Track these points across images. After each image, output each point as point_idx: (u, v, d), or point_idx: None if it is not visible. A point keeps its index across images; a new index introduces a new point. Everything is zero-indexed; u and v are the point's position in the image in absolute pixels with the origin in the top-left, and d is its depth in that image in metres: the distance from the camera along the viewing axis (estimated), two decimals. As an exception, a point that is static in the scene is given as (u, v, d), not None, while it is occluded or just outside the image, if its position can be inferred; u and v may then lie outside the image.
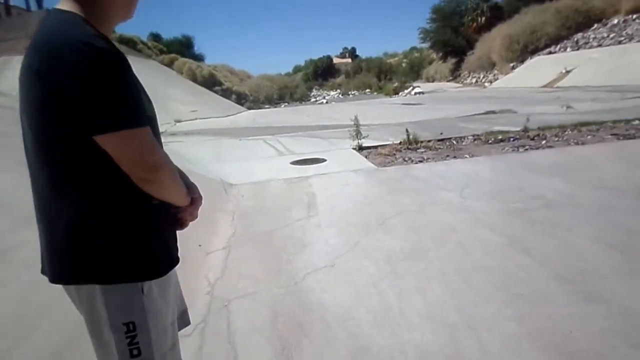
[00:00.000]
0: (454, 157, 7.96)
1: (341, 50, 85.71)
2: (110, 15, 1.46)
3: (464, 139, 9.48)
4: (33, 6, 37.36)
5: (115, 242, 1.37)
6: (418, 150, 8.78)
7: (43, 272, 1.49)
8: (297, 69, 75.27)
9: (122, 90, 1.27)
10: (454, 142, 9.33)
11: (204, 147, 12.13)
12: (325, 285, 3.62)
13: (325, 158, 8.81)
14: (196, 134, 15.69)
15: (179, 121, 21.11)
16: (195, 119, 22.39)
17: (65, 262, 1.40)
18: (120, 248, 1.38)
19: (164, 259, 1.50)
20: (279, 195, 6.59)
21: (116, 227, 1.37)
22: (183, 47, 46.77)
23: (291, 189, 6.85)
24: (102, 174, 1.32)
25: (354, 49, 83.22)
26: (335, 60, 69.85)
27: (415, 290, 3.38)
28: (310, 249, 4.40)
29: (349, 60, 72.79)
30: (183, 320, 1.77)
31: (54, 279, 1.44)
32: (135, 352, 1.42)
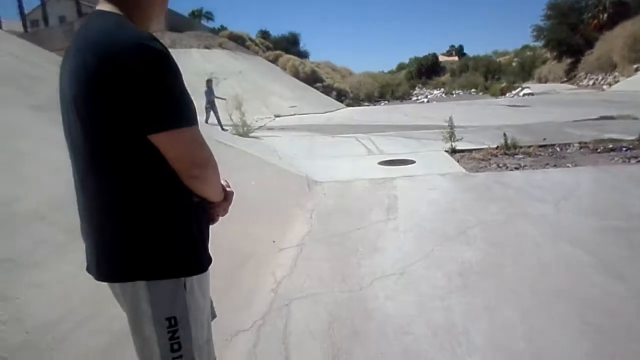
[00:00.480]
0: (555, 165, 7.38)
1: (447, 48, 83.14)
2: (149, 17, 1.52)
3: (569, 146, 8.75)
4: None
5: (163, 240, 1.40)
6: (515, 156, 8.25)
7: (88, 270, 1.53)
8: (400, 67, 74.27)
9: (178, 90, 1.31)
10: (557, 149, 8.65)
11: (297, 142, 12.34)
12: (390, 293, 3.49)
13: (415, 159, 8.57)
14: (292, 129, 16.02)
15: (279, 116, 21.74)
16: (294, 114, 22.91)
17: (113, 260, 1.43)
18: (166, 245, 1.41)
19: (205, 255, 1.52)
20: (361, 195, 6.50)
21: (164, 224, 1.39)
22: (289, 44, 48.05)
23: (375, 189, 6.73)
24: (152, 173, 1.35)
25: (461, 47, 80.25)
26: (441, 59, 67.88)
27: (484, 310, 3.15)
28: (382, 254, 4.28)
29: (456, 58, 70.39)
30: (211, 312, 1.78)
31: (101, 277, 1.47)
32: (175, 346, 1.44)
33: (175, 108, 1.30)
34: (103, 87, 1.25)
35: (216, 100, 16.48)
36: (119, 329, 2.67)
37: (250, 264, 4.17)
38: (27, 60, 7.59)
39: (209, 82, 16.70)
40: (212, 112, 16.18)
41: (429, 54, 64.71)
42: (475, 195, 5.97)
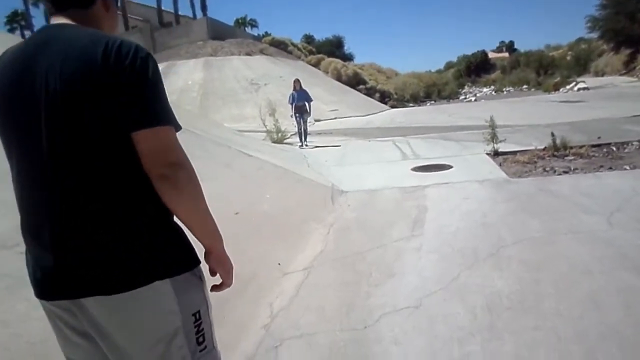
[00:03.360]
0: (610, 167, 6.51)
1: (497, 45, 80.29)
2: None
3: (627, 145, 7.79)
4: (198, 14, 40.98)
5: (170, 234, 1.40)
6: (565, 158, 7.41)
7: (77, 291, 1.33)
8: (448, 66, 72.32)
9: (164, 91, 1.37)
10: (613, 148, 7.71)
11: (330, 148, 11.81)
12: (398, 334, 2.90)
13: (452, 164, 7.87)
14: (329, 134, 15.55)
15: (318, 120, 21.23)
16: (335, 118, 22.40)
17: (130, 264, 1.32)
18: (176, 236, 1.41)
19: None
20: (387, 206, 5.90)
21: (165, 218, 1.38)
22: (333, 47, 47.74)
23: (403, 199, 6.11)
24: (140, 169, 1.32)
25: (511, 43, 77.10)
26: (491, 55, 65.43)
27: (514, 359, 2.51)
28: (397, 281, 3.68)
29: (506, 54, 67.76)
30: None
31: (114, 288, 1.30)
32: (200, 339, 1.44)
33: (164, 106, 1.34)
34: (100, 84, 1.25)
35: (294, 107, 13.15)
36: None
37: (247, 292, 3.65)
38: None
39: (296, 83, 13.35)
40: (302, 121, 12.91)
41: (478, 51, 62.45)
42: (514, 206, 5.24)
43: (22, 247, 3.24)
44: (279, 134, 13.22)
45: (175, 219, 1.43)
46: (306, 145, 12.42)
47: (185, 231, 1.45)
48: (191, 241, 1.47)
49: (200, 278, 1.47)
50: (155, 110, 1.31)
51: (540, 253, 3.87)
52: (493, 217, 4.93)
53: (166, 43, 32.42)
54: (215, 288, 1.55)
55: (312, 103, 13.55)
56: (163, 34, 34.06)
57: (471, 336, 2.78)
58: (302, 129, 12.83)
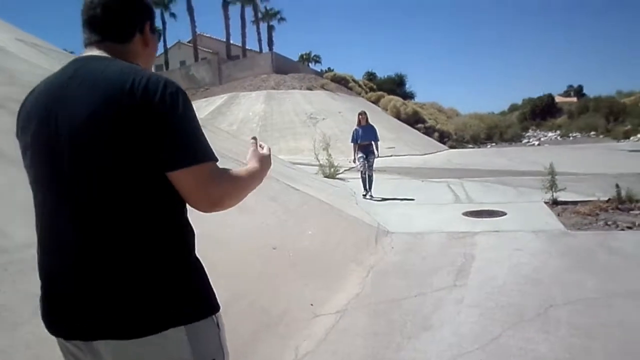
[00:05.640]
0: (682, 226, 5.99)
1: (565, 89, 77.70)
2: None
3: None
4: (265, 49, 42.44)
5: (190, 279, 1.33)
6: (631, 212, 6.90)
7: (88, 333, 1.27)
8: (513, 108, 70.61)
9: (199, 124, 1.31)
10: (687, 205, 7.12)
11: (382, 187, 11.62)
12: (427, 397, 2.68)
13: (506, 211, 7.51)
14: (383, 172, 15.31)
15: (374, 157, 21.17)
16: (391, 155, 22.20)
17: (145, 310, 1.25)
18: (194, 283, 1.35)
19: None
20: (432, 252, 5.65)
21: (188, 262, 1.34)
22: (395, 85, 47.82)
23: (450, 245, 5.85)
24: (171, 212, 1.30)
25: (580, 87, 74.28)
26: (558, 99, 63.21)
27: None
28: (431, 336, 3.44)
29: (574, 99, 65.53)
30: None
31: (134, 332, 1.24)
32: None
33: (199, 143, 1.28)
34: (128, 119, 1.20)
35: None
36: None
37: (275, 331, 3.54)
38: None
39: (362, 116, 10.65)
40: (367, 165, 9.97)
41: (544, 95, 60.68)
42: (570, 262, 4.87)
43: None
44: (332, 169, 13.19)
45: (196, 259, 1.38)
46: (371, 196, 9.83)
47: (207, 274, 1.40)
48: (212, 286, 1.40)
49: (218, 325, 1.38)
50: (192, 148, 1.25)
51: (594, 317, 3.53)
52: (545, 273, 4.60)
53: (232, 75, 33.64)
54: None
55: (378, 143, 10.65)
56: (229, 66, 35.39)
57: (506, 407, 2.52)
58: (367, 175, 9.99)
